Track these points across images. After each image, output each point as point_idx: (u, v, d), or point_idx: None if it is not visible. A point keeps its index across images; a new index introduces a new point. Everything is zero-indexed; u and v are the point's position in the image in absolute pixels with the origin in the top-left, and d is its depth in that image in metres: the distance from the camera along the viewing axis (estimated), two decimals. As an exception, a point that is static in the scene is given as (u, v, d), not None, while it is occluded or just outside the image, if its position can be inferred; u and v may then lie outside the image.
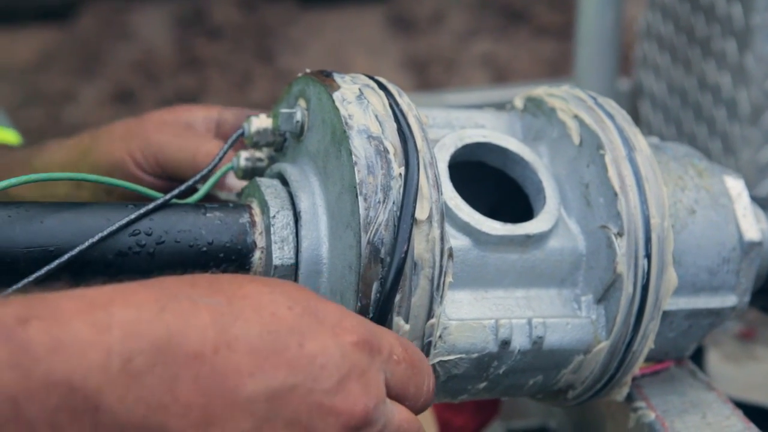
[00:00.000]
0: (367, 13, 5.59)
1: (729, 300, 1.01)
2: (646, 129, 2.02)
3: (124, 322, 0.66)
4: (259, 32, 5.39)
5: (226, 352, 0.68)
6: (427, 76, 4.86)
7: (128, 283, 0.71)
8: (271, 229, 0.88)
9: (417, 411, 0.80)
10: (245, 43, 5.28)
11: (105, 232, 0.83)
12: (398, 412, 0.76)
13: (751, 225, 1.02)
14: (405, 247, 0.81)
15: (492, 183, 1.02)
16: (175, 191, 0.88)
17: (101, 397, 0.63)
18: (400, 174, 0.83)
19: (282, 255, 0.87)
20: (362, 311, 0.81)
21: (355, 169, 0.82)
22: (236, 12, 5.59)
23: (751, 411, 1.04)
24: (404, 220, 0.82)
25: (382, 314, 0.82)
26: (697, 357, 1.50)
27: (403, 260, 0.81)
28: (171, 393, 0.66)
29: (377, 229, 0.81)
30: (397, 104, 0.88)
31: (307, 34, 5.37)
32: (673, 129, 1.92)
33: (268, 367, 0.70)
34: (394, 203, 0.82)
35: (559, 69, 4.73)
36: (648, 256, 0.91)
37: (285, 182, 0.91)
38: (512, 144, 0.98)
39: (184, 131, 1.06)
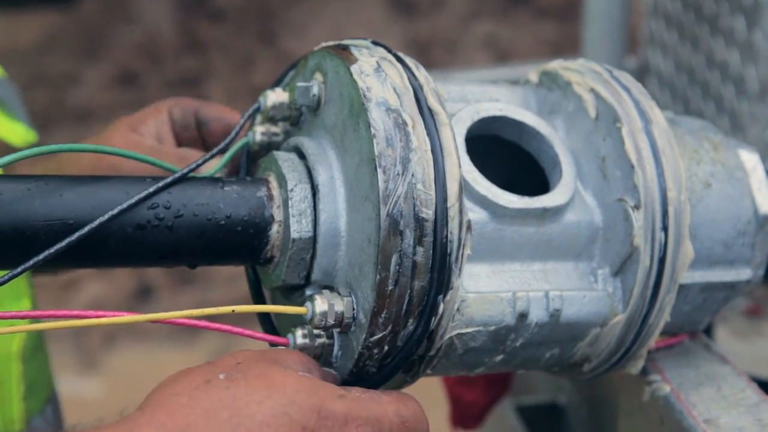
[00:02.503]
0: (369, -6, 5.59)
1: (744, 273, 1.02)
2: (654, 107, 2.01)
3: None
4: (261, 15, 5.38)
5: None
6: (429, 58, 4.86)
7: None
8: (289, 202, 0.88)
9: None
10: (247, 25, 5.27)
11: (124, 205, 0.83)
12: None
13: (766, 198, 1.02)
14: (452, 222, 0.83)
15: (505, 157, 1.03)
16: (193, 165, 0.89)
17: None
18: (425, 149, 0.83)
19: (300, 228, 0.87)
20: (382, 283, 0.82)
21: (374, 141, 0.82)
22: (238, -6, 5.58)
23: (760, 386, 1.04)
24: (439, 193, 0.82)
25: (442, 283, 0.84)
26: (705, 333, 1.50)
27: (445, 235, 0.83)
28: None
29: (396, 201, 0.81)
30: (415, 77, 0.88)
31: (309, 16, 5.37)
32: (681, 107, 1.91)
33: None
34: (413, 175, 0.82)
35: (560, 50, 4.73)
36: (665, 228, 0.91)
37: (302, 156, 0.91)
38: (528, 118, 0.98)
39: (136, 140, 1.06)
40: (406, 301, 0.83)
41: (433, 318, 0.84)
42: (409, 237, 0.82)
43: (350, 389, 0.81)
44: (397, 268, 0.82)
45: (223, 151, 0.95)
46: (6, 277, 0.78)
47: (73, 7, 5.34)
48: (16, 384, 1.04)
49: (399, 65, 0.88)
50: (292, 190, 0.88)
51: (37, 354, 1.11)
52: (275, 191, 0.90)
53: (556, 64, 1.02)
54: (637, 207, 0.91)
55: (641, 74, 2.05)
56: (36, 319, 0.97)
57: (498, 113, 0.97)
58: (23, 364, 1.05)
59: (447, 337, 0.87)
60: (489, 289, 0.89)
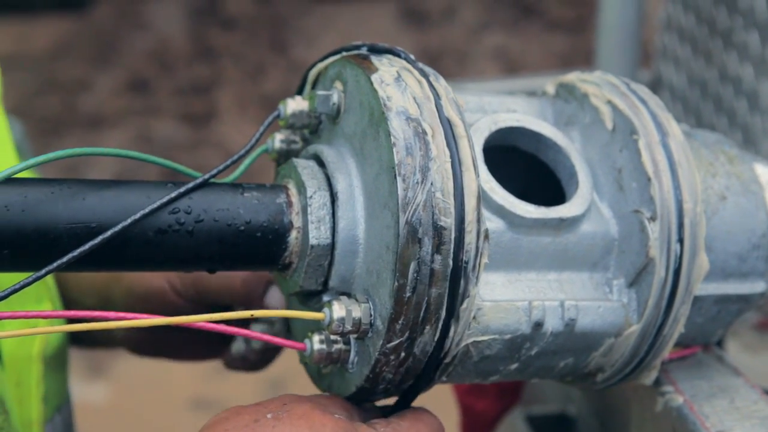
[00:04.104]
0: (380, 5, 5.60)
1: (758, 286, 1.02)
2: (666, 121, 2.01)
3: None
4: (273, 23, 5.40)
5: None
6: (439, 69, 4.83)
7: None
8: (308, 209, 0.89)
9: None
10: (259, 34, 5.29)
11: (146, 210, 0.84)
12: None
13: (780, 212, 1.03)
14: (467, 231, 0.84)
15: (522, 167, 1.03)
16: (214, 171, 0.89)
17: None
18: (445, 159, 0.84)
19: (318, 235, 0.88)
20: (399, 290, 0.82)
21: (394, 150, 0.83)
22: (250, 3, 5.59)
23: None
24: (458, 202, 0.83)
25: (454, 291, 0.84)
26: (717, 346, 1.50)
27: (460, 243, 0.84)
28: None
29: (415, 210, 0.82)
30: (434, 87, 0.89)
31: (321, 25, 5.38)
32: (693, 121, 1.92)
33: None
34: (432, 184, 0.83)
35: (570, 62, 4.74)
36: (681, 240, 0.92)
37: (321, 163, 0.92)
38: (546, 129, 0.99)
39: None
40: (423, 308, 0.83)
41: (450, 325, 0.85)
42: (428, 245, 0.83)
43: (375, 424, 0.86)
44: (415, 275, 0.82)
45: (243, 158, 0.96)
46: (30, 279, 0.79)
47: (86, 14, 5.37)
48: (36, 386, 1.05)
49: (419, 75, 0.89)
50: (311, 197, 0.89)
51: (59, 361, 1.12)
52: (294, 198, 0.90)
53: (573, 76, 1.03)
54: (653, 218, 0.92)
55: (654, 88, 2.06)
56: (57, 320, 0.98)
57: (515, 124, 0.98)
58: (44, 367, 1.06)
59: (463, 344, 0.88)
60: (505, 298, 0.90)
